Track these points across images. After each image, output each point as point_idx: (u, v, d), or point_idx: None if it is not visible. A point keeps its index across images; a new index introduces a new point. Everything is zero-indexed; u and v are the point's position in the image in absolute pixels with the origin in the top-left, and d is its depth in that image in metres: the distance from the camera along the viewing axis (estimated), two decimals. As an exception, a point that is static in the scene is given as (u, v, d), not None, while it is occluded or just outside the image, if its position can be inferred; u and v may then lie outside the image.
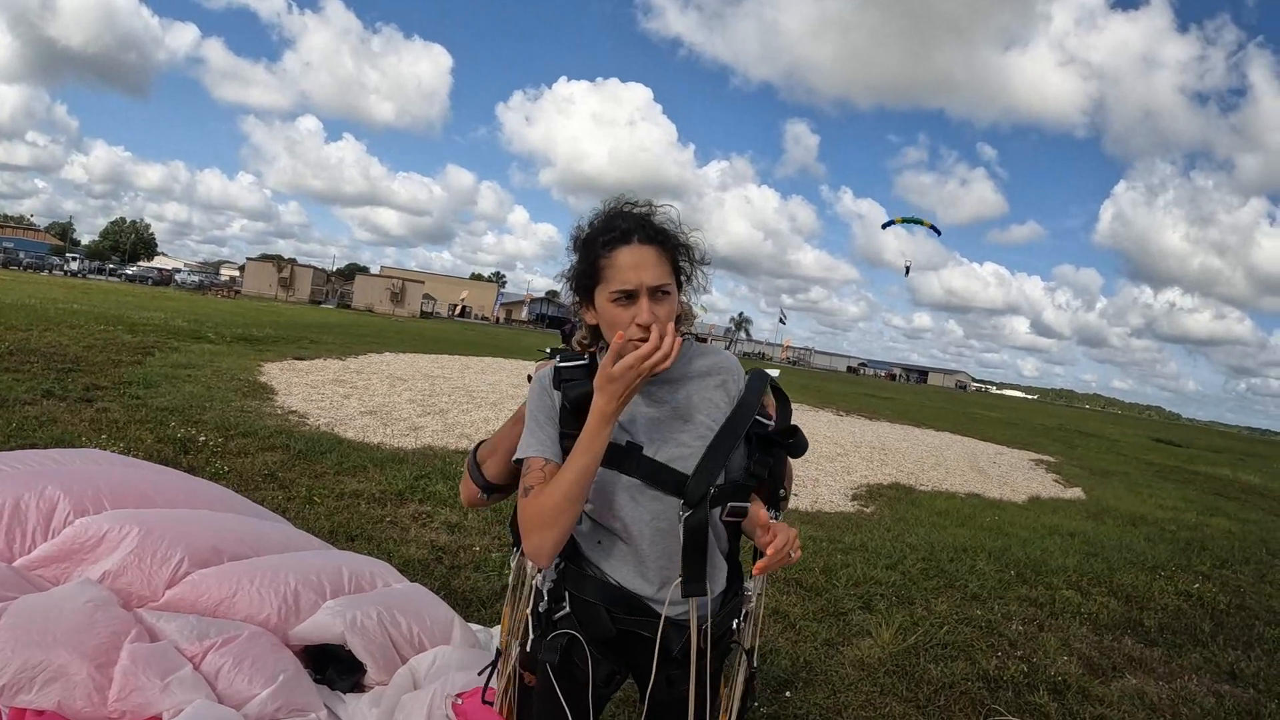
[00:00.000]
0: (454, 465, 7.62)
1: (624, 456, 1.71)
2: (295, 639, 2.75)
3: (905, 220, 25.23)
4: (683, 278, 1.74)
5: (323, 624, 2.73)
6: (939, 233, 21.85)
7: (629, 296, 1.63)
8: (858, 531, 7.43)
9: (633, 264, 1.64)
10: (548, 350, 1.90)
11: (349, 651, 2.70)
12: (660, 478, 1.72)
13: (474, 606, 4.23)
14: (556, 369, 1.76)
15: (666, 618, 1.74)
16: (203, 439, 7.02)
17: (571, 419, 1.71)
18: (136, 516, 2.99)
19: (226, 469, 6.20)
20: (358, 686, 2.68)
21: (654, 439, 1.73)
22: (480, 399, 13.51)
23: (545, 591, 1.81)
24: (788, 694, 3.83)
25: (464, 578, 4.65)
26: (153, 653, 2.33)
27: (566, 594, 1.79)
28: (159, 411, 8.01)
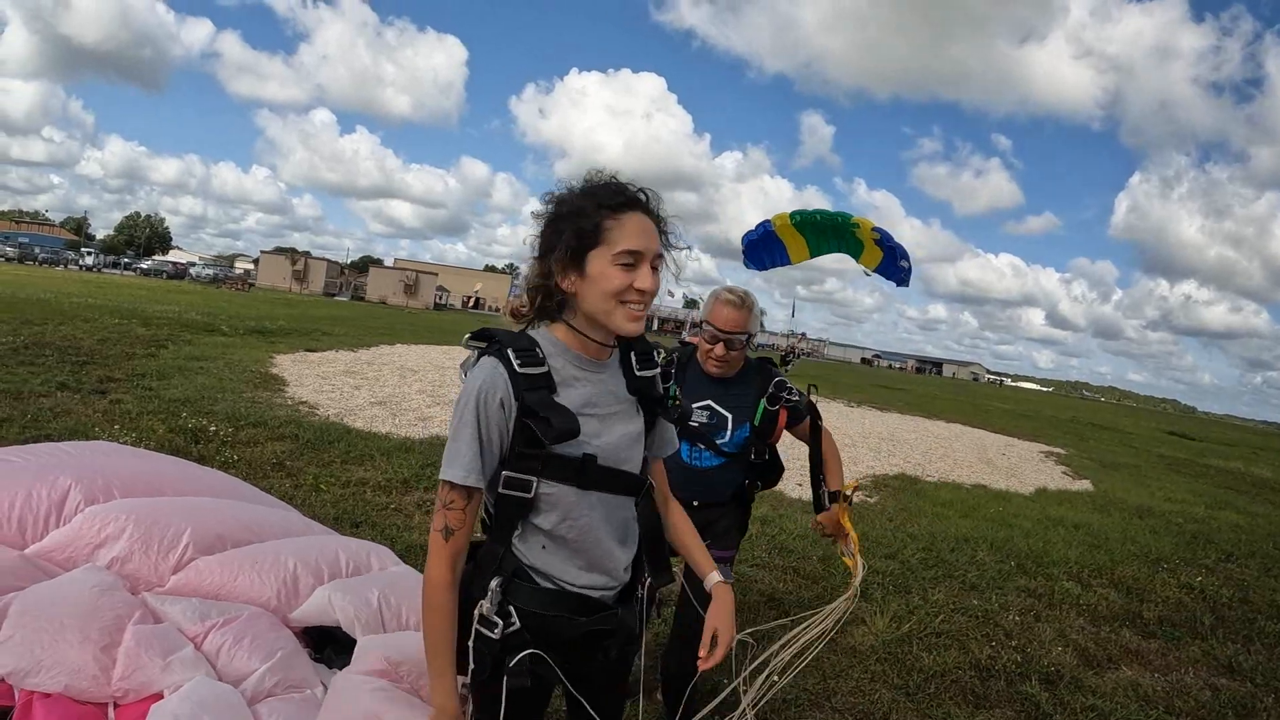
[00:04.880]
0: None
1: (581, 471, 1.70)
2: (295, 621, 2.84)
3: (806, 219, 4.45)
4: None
5: (320, 606, 2.81)
6: (899, 279, 4.16)
7: (635, 260, 1.63)
8: (859, 522, 7.43)
9: (643, 230, 1.65)
10: (471, 336, 1.76)
11: (346, 632, 2.79)
12: (613, 483, 1.76)
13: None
14: (517, 374, 1.64)
15: (621, 610, 1.83)
16: (213, 429, 7.13)
17: (529, 430, 1.64)
18: (144, 505, 3.08)
19: (236, 458, 6.31)
20: (354, 666, 2.76)
21: (605, 447, 1.74)
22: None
23: (492, 617, 1.71)
24: (775, 678, 3.90)
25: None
26: (155, 634, 2.42)
27: (512, 609, 1.72)
28: (171, 403, 8.14)
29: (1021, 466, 14.56)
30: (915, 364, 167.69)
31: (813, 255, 4.48)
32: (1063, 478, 13.89)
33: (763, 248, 4.48)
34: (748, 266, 4.62)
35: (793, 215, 4.22)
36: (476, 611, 1.71)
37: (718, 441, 3.13)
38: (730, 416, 3.13)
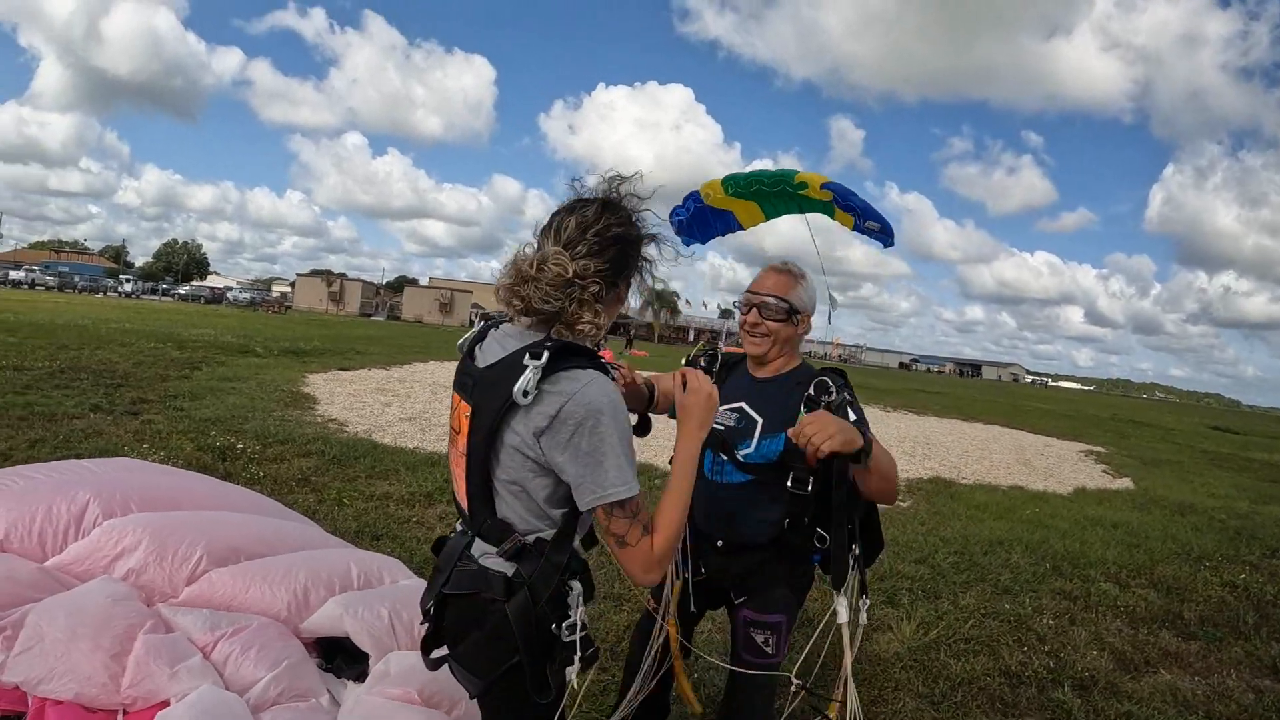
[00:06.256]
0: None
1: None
2: (305, 631, 2.86)
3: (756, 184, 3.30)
4: None
5: (329, 617, 2.83)
6: (885, 241, 3.28)
7: None
8: (890, 526, 7.37)
9: None
10: (557, 350, 1.63)
11: (355, 643, 2.80)
12: None
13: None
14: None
15: None
16: (241, 447, 7.21)
17: None
18: (161, 519, 3.13)
19: (262, 474, 6.37)
20: (363, 675, 2.77)
21: None
22: (519, 404, 13.60)
23: (582, 617, 1.72)
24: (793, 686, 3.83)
25: (485, 576, 4.73)
26: (164, 643, 2.45)
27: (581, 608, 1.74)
28: (201, 422, 8.25)
29: (1060, 466, 14.31)
30: (954, 367, 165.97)
31: (768, 218, 3.72)
32: (1102, 476, 13.63)
33: (697, 224, 3.63)
34: (686, 245, 3.61)
35: (725, 185, 3.42)
36: (576, 616, 1.70)
37: (739, 451, 2.41)
38: (760, 420, 2.42)
